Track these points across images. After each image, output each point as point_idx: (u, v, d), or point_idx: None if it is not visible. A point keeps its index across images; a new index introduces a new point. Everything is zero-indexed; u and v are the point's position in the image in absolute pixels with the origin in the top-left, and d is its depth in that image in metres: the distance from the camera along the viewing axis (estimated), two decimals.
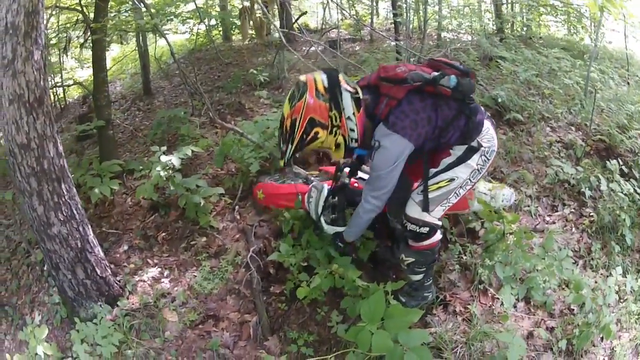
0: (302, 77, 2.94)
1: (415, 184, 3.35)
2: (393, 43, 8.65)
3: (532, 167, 5.47)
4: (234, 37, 12.31)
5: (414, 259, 3.38)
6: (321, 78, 2.90)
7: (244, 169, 5.11)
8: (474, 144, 3.09)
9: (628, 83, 9.02)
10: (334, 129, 2.91)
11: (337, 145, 3.01)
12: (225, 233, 4.64)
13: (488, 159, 3.16)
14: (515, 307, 3.70)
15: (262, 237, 4.45)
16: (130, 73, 11.97)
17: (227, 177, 5.38)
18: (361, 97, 2.99)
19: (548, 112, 6.60)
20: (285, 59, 8.83)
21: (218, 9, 11.66)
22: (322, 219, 3.64)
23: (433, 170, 3.19)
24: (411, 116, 2.91)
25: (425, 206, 3.19)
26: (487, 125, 3.14)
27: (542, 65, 7.77)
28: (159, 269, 4.31)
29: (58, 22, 8.32)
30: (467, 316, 3.61)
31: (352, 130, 2.97)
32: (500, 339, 3.23)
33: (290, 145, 2.91)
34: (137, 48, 9.53)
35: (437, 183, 3.16)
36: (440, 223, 3.32)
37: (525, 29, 11.32)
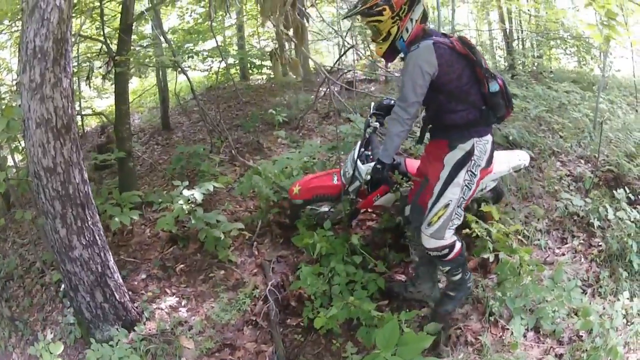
0: None
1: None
2: None
3: (543, 202, 5.54)
4: (251, 77, 12.53)
5: (449, 267, 3.74)
6: None
7: (262, 206, 5.28)
8: (468, 146, 3.38)
9: (637, 110, 9.10)
10: (396, 18, 3.32)
11: (388, 35, 3.40)
12: (243, 267, 4.75)
13: (474, 174, 3.46)
14: (525, 336, 3.76)
15: (280, 272, 4.58)
16: (149, 107, 12.20)
17: (246, 213, 5.53)
18: (428, 18, 3.47)
19: (558, 146, 6.70)
20: (302, 99, 9.03)
21: (236, 47, 11.89)
22: (358, 162, 4.13)
23: (430, 201, 3.51)
24: (454, 57, 3.27)
25: (438, 236, 3.53)
26: (488, 139, 3.48)
27: (552, 100, 7.93)
28: (177, 299, 4.39)
29: (78, 50, 8.50)
30: (478, 346, 3.68)
31: (407, 30, 3.37)
32: None
33: (359, 6, 3.38)
34: (156, 83, 9.74)
35: (436, 214, 3.48)
36: (456, 238, 3.66)
37: (536, 64, 11.42)
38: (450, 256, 3.63)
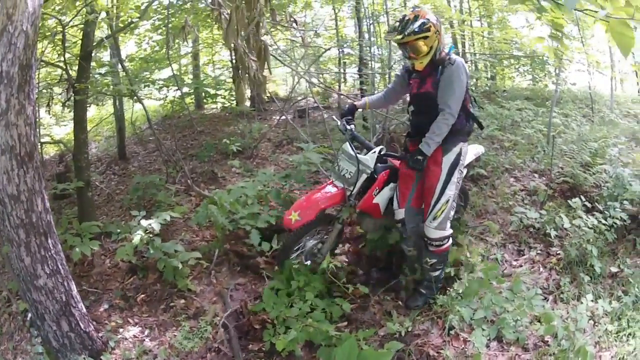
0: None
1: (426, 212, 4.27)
2: (360, 110, 8.96)
3: (497, 218, 5.73)
4: (206, 106, 12.55)
5: (436, 260, 4.33)
6: None
7: (219, 235, 5.34)
8: (458, 149, 4.13)
9: (592, 121, 9.46)
10: (436, 34, 3.90)
11: (430, 49, 3.95)
12: (203, 296, 4.76)
13: (462, 172, 4.29)
14: (488, 346, 3.84)
15: (239, 300, 4.62)
16: (105, 136, 12.05)
17: (203, 243, 5.58)
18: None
19: (511, 163, 6.96)
20: (255, 128, 9.13)
21: (191, 76, 11.93)
22: (358, 157, 4.32)
23: (433, 199, 4.16)
24: None
25: (442, 227, 4.23)
26: (467, 144, 4.29)
27: (505, 118, 8.27)
28: (140, 328, 4.36)
29: (39, 76, 8.36)
30: None
31: (441, 42, 3.96)
32: None
33: (410, 27, 3.85)
34: (113, 111, 9.69)
35: (440, 209, 4.17)
36: (451, 231, 4.35)
37: (489, 84, 11.76)
38: (445, 246, 4.31)
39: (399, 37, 3.90)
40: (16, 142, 3.28)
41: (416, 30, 3.83)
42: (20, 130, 3.28)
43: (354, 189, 4.35)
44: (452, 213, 4.28)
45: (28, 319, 4.26)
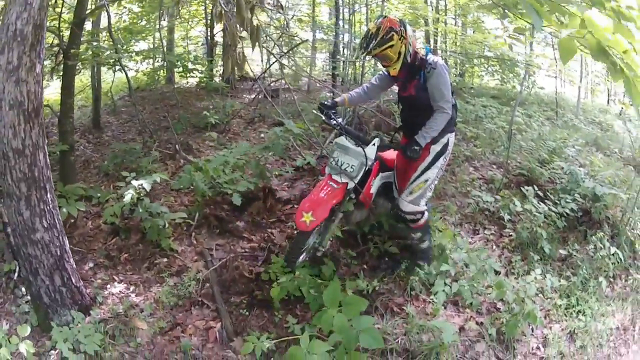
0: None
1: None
2: (329, 93, 9.24)
3: (455, 200, 6.18)
4: (177, 81, 12.65)
5: (420, 234, 4.70)
6: None
7: (199, 200, 5.63)
8: (445, 139, 4.43)
9: (555, 124, 10.05)
10: (402, 38, 4.20)
11: (399, 55, 4.26)
12: (185, 255, 5.06)
13: (446, 159, 4.57)
14: (445, 307, 4.33)
15: (219, 258, 4.96)
16: (79, 105, 11.99)
17: (182, 207, 5.85)
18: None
19: (471, 153, 7.41)
20: (228, 104, 9.43)
21: (166, 50, 11.98)
22: (363, 149, 4.41)
23: (414, 176, 4.47)
24: None
25: (416, 202, 4.50)
26: (453, 135, 4.57)
27: (469, 113, 8.68)
28: (125, 285, 4.60)
29: None
30: (404, 315, 4.22)
31: (410, 44, 4.26)
32: (434, 326, 3.88)
33: (373, 42, 4.17)
34: (91, 81, 9.73)
35: (417, 185, 4.47)
36: (426, 207, 4.62)
37: (457, 80, 12.15)
38: (421, 222, 4.59)
39: (365, 53, 4.31)
40: (25, 98, 3.41)
41: (379, 42, 4.17)
42: (30, 87, 3.43)
43: (357, 181, 4.44)
44: (429, 194, 4.58)
45: (14, 278, 4.32)
